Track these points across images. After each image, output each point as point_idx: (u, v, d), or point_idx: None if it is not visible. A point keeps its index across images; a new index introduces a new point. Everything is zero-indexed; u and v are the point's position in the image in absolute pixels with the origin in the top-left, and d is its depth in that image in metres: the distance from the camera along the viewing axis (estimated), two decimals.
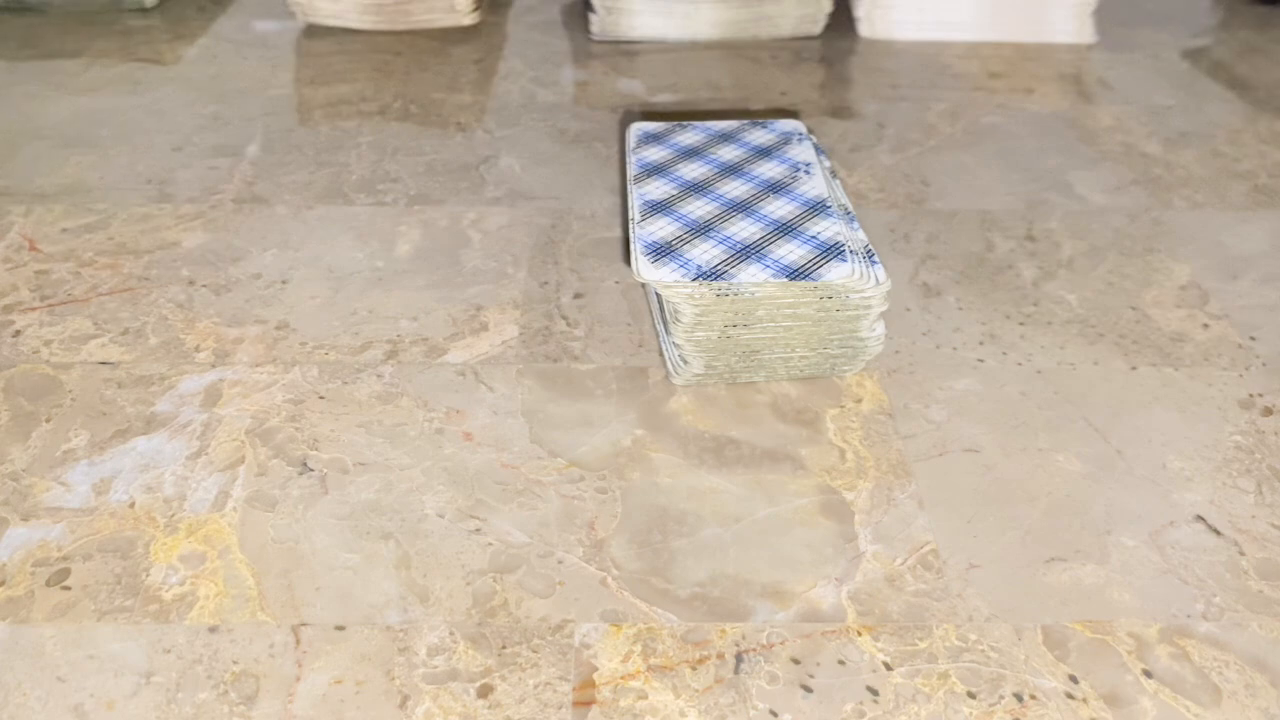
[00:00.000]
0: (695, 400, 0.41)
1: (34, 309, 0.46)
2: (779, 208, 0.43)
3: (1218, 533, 0.36)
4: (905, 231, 0.51)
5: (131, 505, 0.37)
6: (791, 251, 0.41)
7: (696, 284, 0.39)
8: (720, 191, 0.45)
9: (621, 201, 0.53)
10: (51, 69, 0.65)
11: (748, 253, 0.41)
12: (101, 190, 0.54)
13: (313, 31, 0.71)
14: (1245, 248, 0.51)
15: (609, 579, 0.34)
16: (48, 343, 0.44)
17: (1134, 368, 0.43)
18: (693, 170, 0.46)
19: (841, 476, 0.38)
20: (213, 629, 0.32)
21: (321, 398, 0.41)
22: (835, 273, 0.40)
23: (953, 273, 0.48)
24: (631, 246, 0.42)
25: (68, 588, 0.34)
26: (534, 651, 0.32)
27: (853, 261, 0.40)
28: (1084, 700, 0.31)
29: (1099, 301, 0.47)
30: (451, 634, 0.32)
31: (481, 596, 0.34)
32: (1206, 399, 0.41)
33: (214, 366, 0.43)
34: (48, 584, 0.34)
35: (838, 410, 0.41)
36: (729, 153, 0.48)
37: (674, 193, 0.45)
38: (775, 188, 0.45)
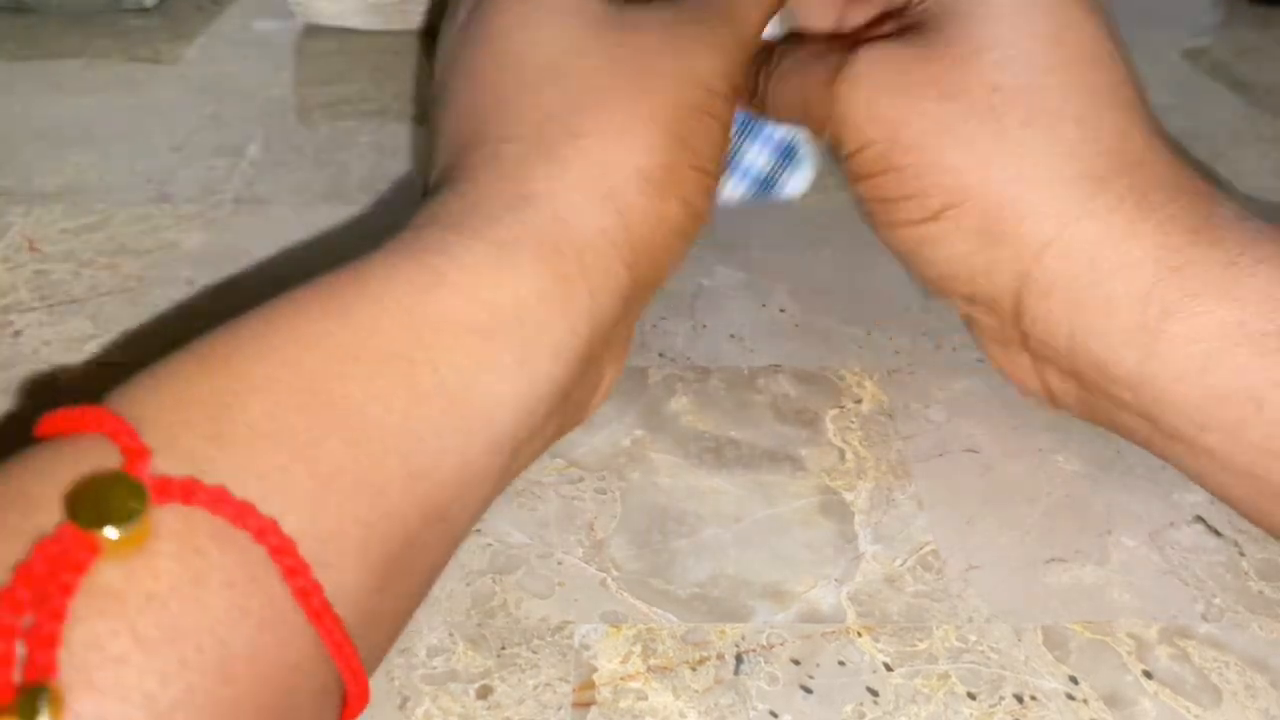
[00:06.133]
0: (695, 400, 0.41)
1: (33, 309, 0.46)
2: None
3: (1218, 533, 0.36)
4: None
5: None
6: None
7: None
8: None
9: None
10: (50, 69, 0.65)
11: None
12: (101, 190, 0.54)
13: (313, 31, 0.71)
14: None
15: (609, 579, 0.34)
16: (47, 343, 0.44)
17: None
18: None
19: (841, 477, 0.38)
20: None
21: None
22: None
23: None
24: None
25: None
26: (533, 652, 0.32)
27: None
28: (1084, 701, 0.31)
29: None
30: (451, 634, 0.32)
31: (481, 597, 0.33)
32: None
33: None
34: None
35: (837, 410, 0.41)
36: None
37: None
38: None
